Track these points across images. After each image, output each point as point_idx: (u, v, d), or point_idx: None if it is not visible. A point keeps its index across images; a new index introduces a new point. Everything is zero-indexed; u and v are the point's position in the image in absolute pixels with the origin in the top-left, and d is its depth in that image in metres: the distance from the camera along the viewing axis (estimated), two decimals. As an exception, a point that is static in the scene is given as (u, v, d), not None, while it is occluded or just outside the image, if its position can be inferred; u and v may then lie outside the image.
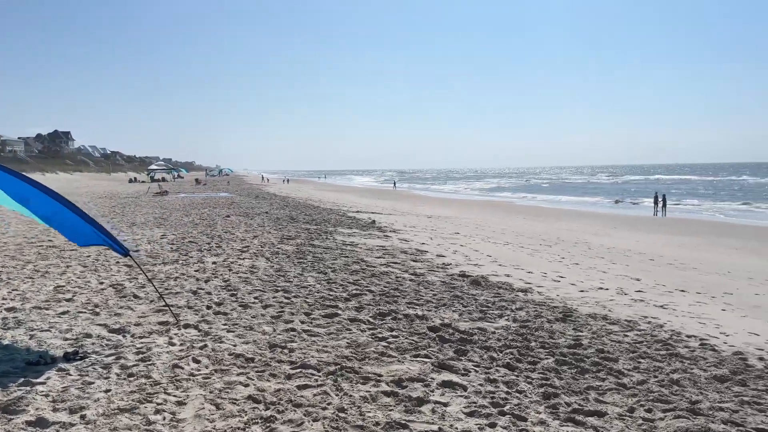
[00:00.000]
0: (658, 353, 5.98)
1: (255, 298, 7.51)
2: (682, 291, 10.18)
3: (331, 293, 7.92)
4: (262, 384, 4.53)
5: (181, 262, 10.24)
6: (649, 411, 4.38)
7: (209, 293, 7.72)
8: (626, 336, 6.64)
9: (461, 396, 4.47)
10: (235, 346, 5.48)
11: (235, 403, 4.15)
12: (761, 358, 6.04)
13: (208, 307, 6.94)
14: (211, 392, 4.34)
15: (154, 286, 7.10)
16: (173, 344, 5.48)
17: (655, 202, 36.05)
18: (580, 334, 6.59)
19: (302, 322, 6.38)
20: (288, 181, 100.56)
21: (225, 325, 6.23)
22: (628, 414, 4.32)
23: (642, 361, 5.69)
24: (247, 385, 4.49)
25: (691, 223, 30.75)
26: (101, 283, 8.32)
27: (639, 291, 9.81)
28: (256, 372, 4.79)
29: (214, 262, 10.21)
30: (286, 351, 5.35)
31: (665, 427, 4.05)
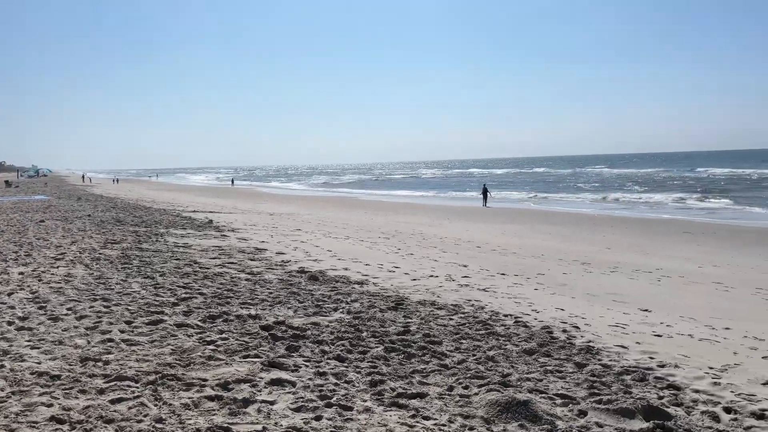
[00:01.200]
0: (478, 333, 6.43)
1: (68, 309, 6.82)
2: (503, 274, 11.08)
3: (157, 299, 7.45)
4: (68, 402, 4.11)
5: (-22, 274, 9.00)
6: (466, 388, 4.69)
7: (12, 307, 6.86)
8: (451, 319, 7.05)
9: (289, 392, 4.43)
10: (39, 363, 4.92)
11: (34, 427, 3.72)
12: (564, 330, 6.75)
13: (10, 323, 6.16)
14: (5, 417, 3.85)
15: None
16: (-39, 369, 4.78)
17: (483, 194, 38.99)
18: (410, 320, 6.87)
19: (122, 332, 5.92)
20: (117, 181, 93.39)
21: (29, 341, 5.57)
22: (447, 393, 4.59)
23: (464, 341, 6.08)
24: (50, 405, 4.05)
25: (512, 212, 33.68)
26: None
27: (465, 276, 10.50)
28: (63, 390, 4.33)
29: (21, 273, 9.12)
30: (100, 364, 4.92)
31: (478, 401, 4.35)
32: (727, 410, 4.43)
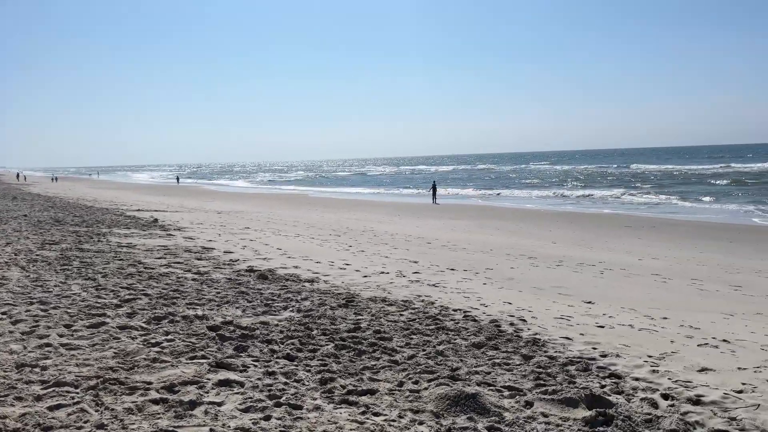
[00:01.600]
0: (428, 328, 6.49)
1: (2, 313, 6.48)
2: (452, 269, 11.21)
3: (99, 301, 7.19)
4: (3, 410, 3.91)
5: None
6: (416, 383, 4.73)
7: (-59, 313, 6.49)
8: (402, 315, 7.09)
9: (237, 393, 4.36)
10: (-29, 371, 4.68)
11: (-35, 439, 3.54)
12: (512, 324, 6.89)
13: (-62, 330, 5.83)
14: (-67, 430, 3.64)
15: None
16: None
17: (433, 191, 39.44)
18: (360, 317, 6.87)
19: (61, 336, 5.68)
20: (56, 179, 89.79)
21: (-41, 349, 5.29)
22: (397, 388, 4.61)
23: (414, 337, 6.12)
24: (-17, 415, 3.86)
25: (460, 208, 34.16)
26: None
27: (416, 272, 10.57)
28: (-3, 398, 4.13)
29: (-50, 276, 8.63)
30: (37, 370, 4.71)
31: (428, 396, 4.40)
32: (665, 397, 4.62)
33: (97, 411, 3.94)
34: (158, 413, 3.96)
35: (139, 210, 24.03)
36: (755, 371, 5.43)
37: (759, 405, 4.49)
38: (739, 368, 5.51)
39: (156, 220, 18.50)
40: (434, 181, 43.34)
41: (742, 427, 4.12)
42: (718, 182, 52.19)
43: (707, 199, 37.33)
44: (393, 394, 4.50)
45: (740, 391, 4.79)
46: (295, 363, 5.14)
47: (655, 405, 4.45)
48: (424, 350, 5.64)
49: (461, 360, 5.39)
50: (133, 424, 3.76)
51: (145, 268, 9.64)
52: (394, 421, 4.02)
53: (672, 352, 5.96)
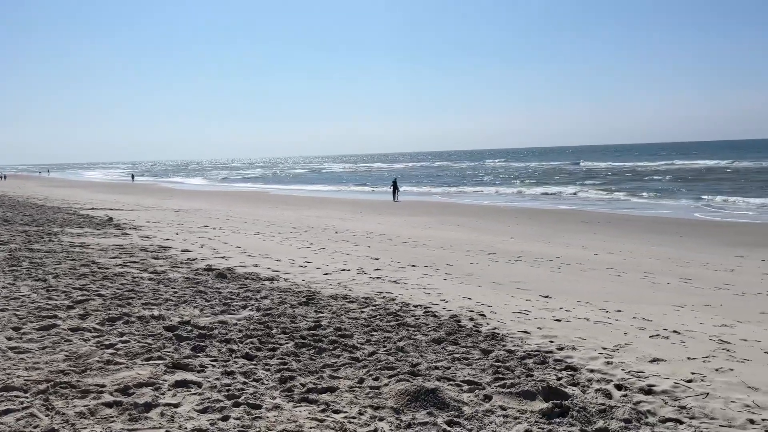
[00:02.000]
0: (388, 324, 6.51)
1: (-55, 317, 6.23)
2: (413, 266, 11.27)
3: (50, 302, 6.95)
4: (-53, 418, 3.76)
5: None
6: (376, 379, 4.73)
7: None
8: (363, 312, 7.09)
9: (195, 394, 4.28)
10: None
11: None
12: (471, 319, 6.97)
13: None
14: None
15: None
16: None
17: (393, 189, 39.60)
18: (321, 315, 6.84)
19: (9, 339, 5.47)
20: (5, 177, 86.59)
21: None
22: (357, 385, 4.60)
23: (374, 333, 6.13)
24: (-75, 423, 3.69)
25: (420, 205, 34.37)
26: None
27: (377, 269, 10.59)
28: (-59, 405, 3.96)
29: None
30: (-17, 375, 4.53)
31: (388, 392, 4.41)
32: (618, 387, 4.75)
33: (47, 416, 3.81)
34: (112, 416, 3.85)
35: (92, 208, 23.37)
36: (704, 361, 5.64)
37: (708, 394, 4.65)
38: (688, 358, 5.71)
39: (111, 219, 18.02)
40: (394, 179, 43.45)
41: (692, 415, 4.27)
42: (664, 179, 53.95)
43: (656, 195, 38.52)
44: (353, 391, 4.49)
45: (690, 381, 4.96)
46: (255, 362, 5.08)
47: (609, 395, 4.57)
48: (384, 347, 5.65)
49: (421, 355, 5.42)
50: (86, 428, 3.66)
51: (99, 268, 9.38)
52: (354, 418, 4.01)
53: (625, 344, 6.13)
